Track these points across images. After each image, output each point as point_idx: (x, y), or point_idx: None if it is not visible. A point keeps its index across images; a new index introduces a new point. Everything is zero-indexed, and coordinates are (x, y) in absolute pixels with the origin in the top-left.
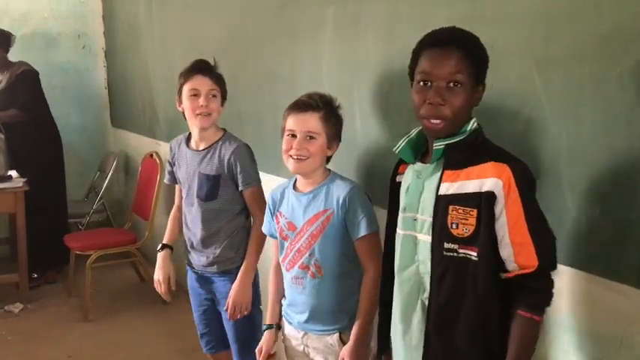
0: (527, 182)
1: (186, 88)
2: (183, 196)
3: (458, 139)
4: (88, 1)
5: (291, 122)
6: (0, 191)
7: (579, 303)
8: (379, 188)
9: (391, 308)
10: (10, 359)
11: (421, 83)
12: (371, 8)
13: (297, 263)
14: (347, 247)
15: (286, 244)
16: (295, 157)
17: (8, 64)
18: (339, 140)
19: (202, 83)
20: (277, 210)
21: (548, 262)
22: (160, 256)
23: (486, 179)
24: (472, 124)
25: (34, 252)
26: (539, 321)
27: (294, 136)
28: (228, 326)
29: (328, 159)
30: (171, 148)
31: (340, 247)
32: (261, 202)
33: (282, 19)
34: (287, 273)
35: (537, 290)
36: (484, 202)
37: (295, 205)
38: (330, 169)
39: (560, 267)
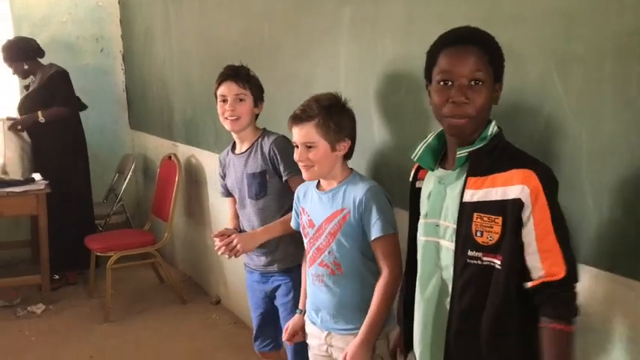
0: (553, 188)
1: (217, 94)
2: (237, 201)
3: (481, 145)
4: (105, 5)
5: (293, 134)
6: (22, 194)
7: (601, 303)
8: (398, 188)
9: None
10: (34, 359)
11: (441, 83)
12: (388, 8)
13: (316, 260)
14: (366, 246)
15: (306, 240)
16: (302, 166)
17: (40, 67)
18: (349, 137)
19: (229, 89)
20: (301, 206)
21: (573, 273)
22: None
23: (512, 186)
24: (492, 128)
25: (55, 254)
26: (572, 332)
27: (297, 146)
28: (285, 324)
29: (347, 155)
30: (220, 161)
31: (359, 246)
32: None
33: (298, 21)
34: (309, 269)
35: (566, 299)
36: (510, 209)
37: (317, 203)
38: (352, 169)
39: (582, 267)
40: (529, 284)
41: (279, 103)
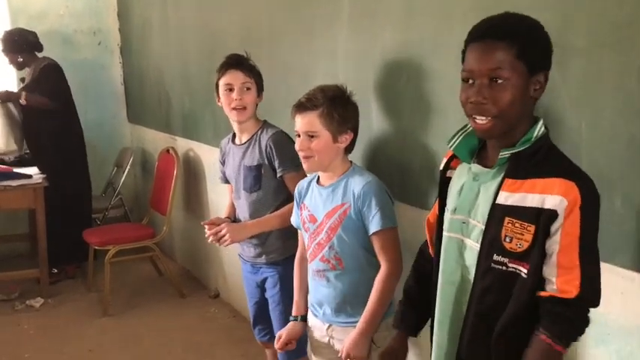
0: (592, 205)
1: (221, 84)
2: (233, 191)
3: (524, 147)
4: None
5: (295, 122)
6: (20, 187)
7: (605, 295)
8: (397, 181)
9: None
10: (33, 353)
11: (464, 81)
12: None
13: (317, 256)
14: (367, 240)
15: (307, 235)
16: (302, 157)
17: (35, 61)
18: (352, 130)
19: (235, 77)
20: (302, 202)
21: (590, 295)
22: None
23: (551, 196)
24: (539, 130)
25: (53, 247)
26: (561, 352)
27: (299, 136)
28: (274, 316)
29: (348, 149)
30: (221, 148)
31: (359, 240)
32: None
33: (297, 13)
34: (310, 265)
35: (567, 320)
36: (544, 219)
37: (317, 198)
38: (351, 162)
39: None
40: (541, 293)
41: (278, 94)
